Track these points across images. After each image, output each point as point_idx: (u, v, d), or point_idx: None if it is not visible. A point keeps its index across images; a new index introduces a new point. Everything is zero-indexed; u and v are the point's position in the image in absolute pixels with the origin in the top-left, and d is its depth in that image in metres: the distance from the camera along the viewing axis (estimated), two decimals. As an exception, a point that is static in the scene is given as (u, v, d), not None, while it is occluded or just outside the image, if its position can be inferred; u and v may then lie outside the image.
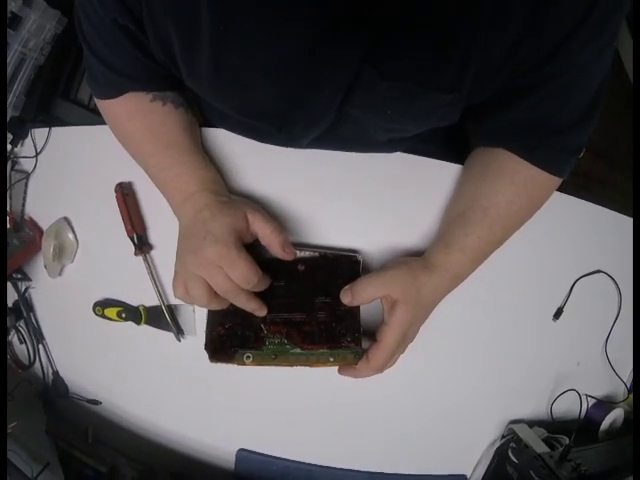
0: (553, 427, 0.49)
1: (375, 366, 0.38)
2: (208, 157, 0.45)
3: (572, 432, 0.47)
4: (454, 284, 0.41)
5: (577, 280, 0.48)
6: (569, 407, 0.51)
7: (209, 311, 0.41)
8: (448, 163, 0.47)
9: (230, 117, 0.43)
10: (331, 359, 0.39)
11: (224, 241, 0.36)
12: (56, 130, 0.54)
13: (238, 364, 0.39)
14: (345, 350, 0.39)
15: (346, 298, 0.39)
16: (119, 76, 0.39)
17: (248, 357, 0.39)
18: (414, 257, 0.42)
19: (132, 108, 0.42)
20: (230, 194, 0.42)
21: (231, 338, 0.40)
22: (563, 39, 0.31)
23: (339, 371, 0.41)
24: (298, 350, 0.39)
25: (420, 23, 0.30)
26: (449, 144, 0.54)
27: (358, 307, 0.41)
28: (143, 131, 0.42)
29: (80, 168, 0.52)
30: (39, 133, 0.54)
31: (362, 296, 0.38)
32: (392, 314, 0.38)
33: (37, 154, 0.53)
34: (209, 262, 0.36)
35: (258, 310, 0.39)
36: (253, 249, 0.39)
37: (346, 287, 0.39)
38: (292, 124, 0.40)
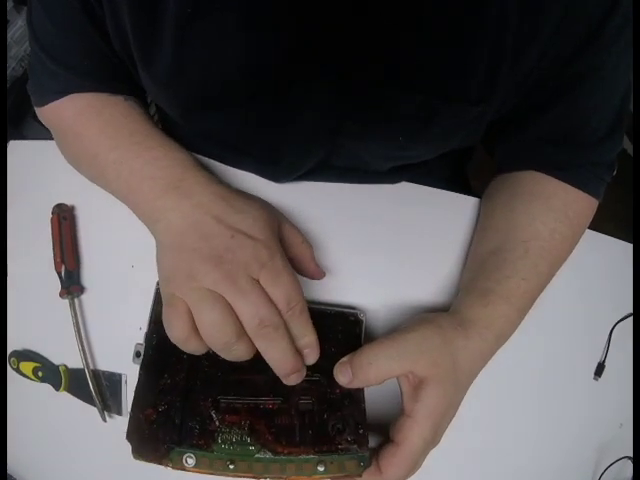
0: None
1: (391, 479, 0.25)
2: None
3: None
4: (497, 347, 0.29)
5: (614, 328, 0.40)
6: (615, 477, 0.39)
7: (138, 384, 0.27)
8: (463, 195, 0.38)
9: (199, 139, 0.34)
10: (320, 469, 0.25)
11: (265, 241, 0.24)
12: (14, 144, 0.45)
13: (174, 467, 0.24)
14: (343, 455, 0.25)
15: (344, 377, 0.25)
16: (69, 72, 0.30)
17: (190, 458, 0.24)
18: (440, 313, 0.30)
19: (83, 105, 0.32)
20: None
21: (165, 428, 0.25)
22: (595, 29, 0.26)
23: None
24: (268, 455, 0.24)
25: (436, 21, 0.24)
26: (451, 178, 0.47)
27: (362, 389, 0.27)
28: (101, 126, 0.31)
29: (27, 186, 0.42)
30: None
31: (369, 374, 0.25)
32: (418, 400, 0.25)
33: None
34: (241, 272, 0.23)
35: (298, 370, 0.24)
36: None
37: (343, 359, 0.26)
38: (275, 157, 0.32)
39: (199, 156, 0.37)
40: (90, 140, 0.31)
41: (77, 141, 0.33)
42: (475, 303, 0.29)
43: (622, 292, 0.41)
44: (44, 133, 0.62)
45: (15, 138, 0.45)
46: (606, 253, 0.42)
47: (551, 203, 0.33)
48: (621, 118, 0.32)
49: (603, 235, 0.41)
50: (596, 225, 0.40)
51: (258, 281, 0.23)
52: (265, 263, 0.23)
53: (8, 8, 0.56)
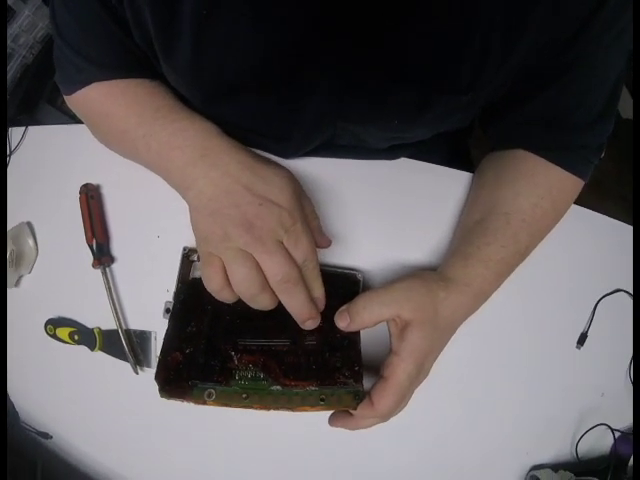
0: (579, 468, 0.41)
1: (381, 411, 0.29)
2: None
3: (601, 472, 0.40)
4: (477, 303, 0.33)
5: (599, 301, 0.43)
6: (594, 444, 0.43)
7: (167, 332, 0.32)
8: (459, 171, 0.41)
9: (213, 118, 0.37)
10: (322, 402, 0.29)
11: (289, 209, 0.28)
12: (33, 129, 0.49)
13: (196, 402, 0.29)
14: (341, 389, 0.29)
15: (342, 321, 0.30)
16: (92, 65, 0.34)
17: (210, 394, 0.29)
18: (427, 270, 0.34)
19: (108, 88, 0.35)
20: None
21: (189, 368, 0.30)
22: (585, 20, 0.27)
23: (330, 421, 0.32)
24: (278, 387, 0.29)
25: (430, 17, 0.26)
26: (452, 156, 0.49)
27: (358, 333, 0.32)
28: (128, 104, 0.35)
29: (51, 170, 0.46)
30: (16, 132, 0.49)
31: (364, 317, 0.29)
32: (404, 340, 0.29)
33: (10, 153, 0.49)
34: (268, 235, 0.27)
35: (313, 318, 0.29)
36: None
37: (342, 307, 0.30)
38: (283, 137, 0.35)
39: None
40: (119, 118, 0.35)
41: (107, 121, 0.36)
42: (457, 264, 0.33)
43: (610, 269, 0.44)
44: (58, 116, 0.66)
45: (30, 124, 0.49)
46: (598, 231, 0.44)
47: (536, 180, 0.35)
48: (612, 104, 0.33)
49: (597, 214, 0.44)
50: (598, 205, 0.42)
51: (282, 243, 0.27)
52: (288, 228, 0.27)
53: (13, 0, 0.58)
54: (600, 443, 0.43)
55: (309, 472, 0.40)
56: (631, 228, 0.44)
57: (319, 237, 0.33)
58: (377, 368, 0.31)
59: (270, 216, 0.27)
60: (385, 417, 0.30)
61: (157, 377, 0.29)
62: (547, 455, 0.42)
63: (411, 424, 0.38)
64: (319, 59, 0.28)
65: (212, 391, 0.29)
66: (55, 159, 0.46)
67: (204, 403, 0.29)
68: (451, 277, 0.32)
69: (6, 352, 0.44)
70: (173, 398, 0.29)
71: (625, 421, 0.44)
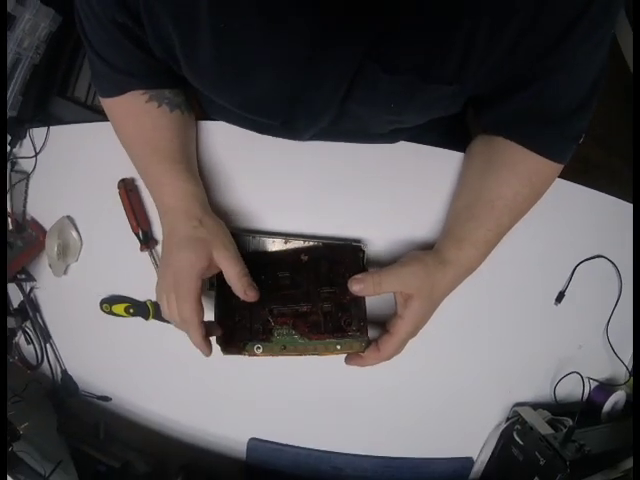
0: (556, 409, 0.49)
1: (385, 356, 0.39)
2: (195, 166, 0.44)
3: (575, 414, 0.47)
4: (465, 277, 0.41)
5: (578, 265, 0.48)
6: (572, 390, 0.51)
7: (216, 306, 0.40)
8: (452, 151, 0.46)
9: (230, 111, 0.42)
10: (338, 347, 0.40)
11: (182, 278, 0.37)
12: (54, 129, 0.52)
13: (250, 355, 0.40)
14: (351, 339, 0.40)
15: (356, 285, 0.38)
16: (119, 74, 0.39)
17: (258, 348, 0.40)
18: (426, 251, 0.41)
19: (129, 109, 0.42)
20: (205, 215, 0.40)
21: (241, 331, 0.40)
22: (566, 30, 0.30)
23: (346, 361, 0.41)
24: (306, 340, 0.39)
25: (421, 17, 0.30)
26: (450, 133, 0.54)
27: (363, 297, 0.40)
28: (135, 134, 0.42)
29: (80, 166, 0.51)
30: (37, 133, 0.52)
31: (375, 290, 0.38)
32: (406, 308, 0.38)
33: (36, 154, 0.52)
34: (167, 290, 0.38)
35: (207, 350, 0.39)
36: (255, 240, 0.41)
37: (358, 275, 0.38)
38: (294, 120, 0.40)
39: (233, 127, 0.45)
40: (130, 143, 0.43)
41: (122, 138, 0.44)
42: (451, 247, 0.40)
43: (593, 237, 0.49)
44: (70, 107, 0.68)
45: (48, 121, 0.53)
46: (584, 203, 0.48)
47: (517, 169, 0.39)
48: (593, 92, 0.35)
49: (585, 187, 0.47)
50: (605, 161, 0.42)
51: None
52: (176, 290, 0.37)
53: (12, 5, 0.60)
54: (576, 389, 0.50)
55: (333, 394, 0.49)
56: (614, 199, 0.48)
57: (242, 294, 0.38)
58: (377, 322, 0.40)
59: (166, 277, 0.38)
60: (387, 359, 0.39)
61: (218, 341, 0.39)
62: (529, 395, 0.50)
63: (411, 368, 0.46)
64: (327, 56, 0.33)
65: (260, 346, 0.39)
66: (82, 156, 0.51)
67: (255, 355, 0.40)
68: (447, 259, 0.39)
69: (6, 351, 0.51)
70: (232, 354, 0.39)
71: (600, 373, 0.51)
